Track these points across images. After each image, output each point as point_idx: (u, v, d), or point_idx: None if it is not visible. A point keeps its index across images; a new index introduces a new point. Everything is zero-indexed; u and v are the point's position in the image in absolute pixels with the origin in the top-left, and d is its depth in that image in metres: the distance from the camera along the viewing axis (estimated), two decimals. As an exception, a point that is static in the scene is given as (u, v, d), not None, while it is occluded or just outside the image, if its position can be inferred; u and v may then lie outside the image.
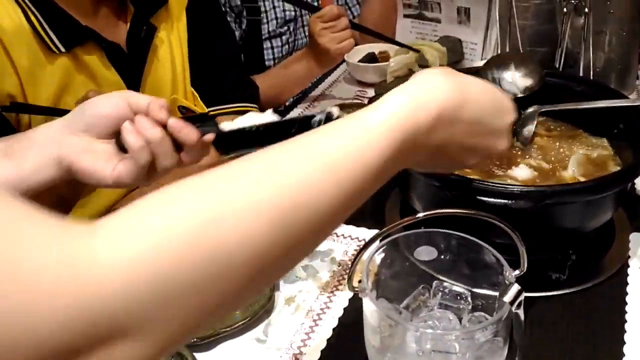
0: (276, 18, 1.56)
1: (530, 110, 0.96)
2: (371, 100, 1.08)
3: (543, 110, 0.96)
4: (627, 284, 0.78)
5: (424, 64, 1.32)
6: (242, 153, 0.67)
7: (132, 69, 0.94)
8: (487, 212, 0.63)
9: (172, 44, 1.00)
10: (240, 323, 0.72)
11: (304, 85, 1.44)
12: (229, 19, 1.51)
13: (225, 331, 0.71)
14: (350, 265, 0.63)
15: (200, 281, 0.35)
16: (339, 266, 0.84)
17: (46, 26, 0.84)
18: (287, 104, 1.50)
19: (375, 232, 0.66)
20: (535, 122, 0.95)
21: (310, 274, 0.82)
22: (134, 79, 0.94)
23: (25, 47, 0.82)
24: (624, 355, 0.68)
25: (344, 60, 1.43)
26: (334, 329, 0.74)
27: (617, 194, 0.76)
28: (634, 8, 1.15)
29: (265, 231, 0.38)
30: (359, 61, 1.44)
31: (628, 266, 0.81)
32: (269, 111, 0.65)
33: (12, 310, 0.29)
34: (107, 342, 0.31)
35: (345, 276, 0.81)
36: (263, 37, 1.57)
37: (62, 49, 0.85)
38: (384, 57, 1.44)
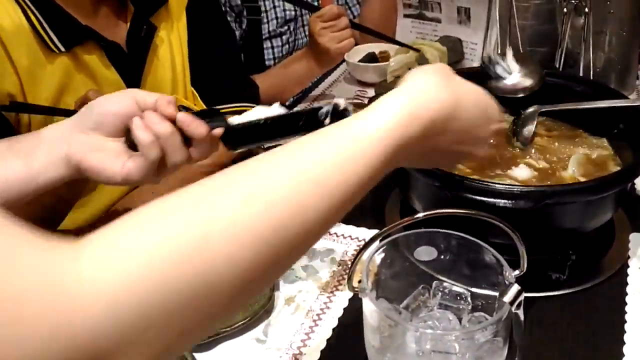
0: (276, 18, 1.56)
1: (530, 110, 0.96)
2: (371, 100, 1.08)
3: (543, 110, 0.96)
4: (626, 284, 0.78)
5: (424, 64, 1.32)
6: (250, 148, 0.67)
7: (132, 68, 0.94)
8: (487, 212, 0.63)
9: (172, 43, 1.00)
10: (240, 323, 0.72)
11: (304, 85, 1.44)
12: (229, 18, 1.51)
13: (225, 331, 0.71)
14: (350, 266, 0.63)
15: (185, 303, 0.34)
16: (339, 266, 0.84)
17: (46, 25, 0.83)
18: (287, 103, 1.50)
19: (375, 232, 0.66)
20: (535, 122, 0.95)
21: (310, 274, 0.82)
22: (134, 79, 0.94)
23: (25, 46, 0.82)
24: (623, 355, 0.68)
25: (344, 60, 1.43)
26: (333, 329, 0.74)
27: (617, 194, 0.76)
28: (634, 8, 1.15)
29: (251, 251, 0.37)
30: (359, 61, 1.44)
31: (628, 266, 0.81)
32: (276, 104, 0.65)
33: None
34: None
35: (345, 276, 0.81)
36: (263, 37, 1.57)
37: (62, 49, 0.85)
38: (384, 56, 1.44)
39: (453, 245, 0.67)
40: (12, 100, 0.82)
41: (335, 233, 0.90)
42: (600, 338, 0.71)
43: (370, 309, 0.60)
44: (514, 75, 0.98)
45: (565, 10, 1.13)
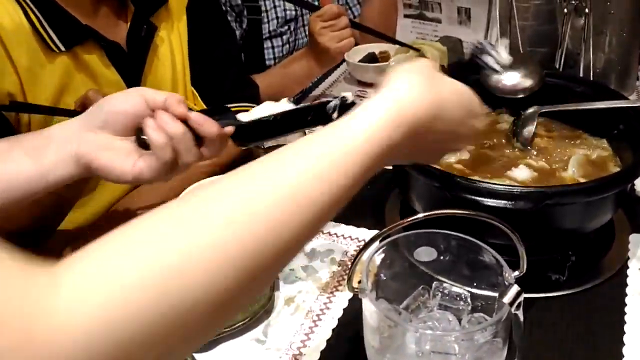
0: (277, 17, 1.56)
1: (530, 110, 0.96)
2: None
3: (543, 110, 0.96)
4: (626, 285, 0.78)
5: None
6: (259, 144, 0.67)
7: (132, 68, 0.94)
8: (486, 213, 0.63)
9: (172, 43, 1.00)
10: (240, 323, 0.72)
11: (304, 85, 1.44)
12: (229, 18, 1.51)
13: (225, 332, 0.71)
14: (350, 266, 0.64)
15: (162, 332, 0.34)
16: (338, 267, 0.84)
17: (46, 25, 0.83)
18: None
19: (375, 232, 0.66)
20: (535, 123, 0.95)
21: (310, 275, 0.82)
22: (134, 78, 0.94)
23: (25, 46, 0.82)
24: (623, 356, 0.68)
25: (344, 60, 1.43)
26: (333, 330, 0.74)
27: (617, 195, 0.76)
28: (634, 9, 1.15)
29: (230, 273, 0.37)
30: (360, 61, 1.43)
31: (627, 267, 0.81)
32: (285, 100, 0.65)
33: None
34: None
35: (345, 277, 0.81)
36: (263, 37, 1.57)
37: (62, 48, 0.85)
38: (384, 57, 1.44)
39: (453, 246, 0.67)
40: (12, 99, 0.82)
41: (335, 233, 0.90)
42: (600, 339, 0.71)
43: (370, 309, 0.60)
44: (513, 75, 0.98)
45: (565, 10, 1.13)
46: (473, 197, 0.72)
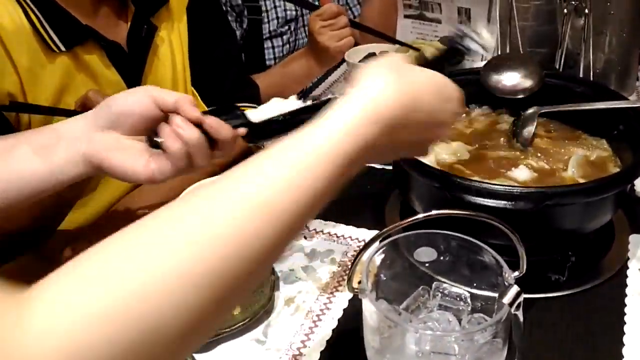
0: (277, 17, 1.56)
1: (530, 111, 0.96)
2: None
3: (543, 111, 0.96)
4: (626, 285, 0.78)
5: (423, 63, 1.32)
6: (268, 141, 0.67)
7: (132, 68, 0.94)
8: (486, 214, 0.63)
9: (172, 43, 1.00)
10: (240, 324, 0.72)
11: (304, 84, 1.44)
12: (229, 18, 1.51)
13: (225, 332, 0.71)
14: (350, 266, 0.64)
15: (133, 356, 0.33)
16: (338, 267, 0.84)
17: (46, 25, 0.83)
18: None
19: (375, 233, 0.66)
20: (535, 123, 0.95)
21: (310, 275, 0.82)
22: (134, 79, 0.94)
23: (25, 46, 0.82)
24: (622, 356, 0.69)
25: (344, 60, 1.43)
26: (333, 330, 0.74)
27: (617, 195, 0.76)
28: (634, 9, 1.15)
29: (197, 294, 0.36)
30: (360, 61, 1.43)
31: (627, 268, 0.81)
32: (293, 97, 0.65)
33: None
34: None
35: (345, 277, 0.81)
36: (264, 37, 1.57)
37: (63, 48, 0.85)
38: (384, 57, 1.44)
39: (453, 247, 0.67)
40: (13, 99, 0.82)
41: (336, 234, 0.90)
42: (600, 339, 0.71)
43: (370, 309, 0.60)
44: (513, 75, 0.98)
45: (565, 11, 1.13)
46: (473, 197, 0.72)
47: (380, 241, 0.65)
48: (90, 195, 0.91)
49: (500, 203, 0.71)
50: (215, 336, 0.71)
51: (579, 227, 0.79)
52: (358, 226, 0.91)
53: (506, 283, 0.60)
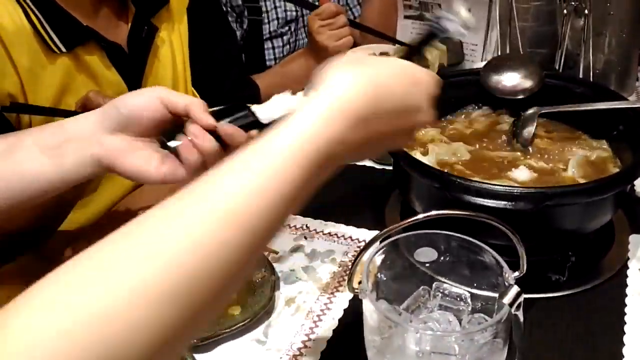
0: (277, 18, 1.56)
1: (530, 111, 0.97)
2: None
3: (543, 111, 0.96)
4: (626, 285, 0.79)
5: (423, 63, 1.32)
6: None
7: (133, 69, 0.94)
8: (487, 214, 0.63)
9: (173, 44, 1.00)
10: (240, 324, 0.72)
11: (304, 84, 1.43)
12: (230, 19, 1.51)
13: (225, 332, 0.71)
14: (350, 267, 0.64)
15: None
16: (339, 267, 0.84)
17: (47, 26, 0.84)
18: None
19: (375, 233, 0.66)
20: (535, 124, 0.95)
21: (310, 275, 0.82)
22: (134, 79, 0.94)
23: (25, 46, 0.82)
24: (623, 356, 0.69)
25: (344, 61, 1.43)
26: (334, 330, 0.74)
27: (617, 195, 0.76)
28: (634, 10, 1.15)
29: (166, 311, 0.35)
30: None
31: (627, 268, 0.81)
32: (300, 93, 0.65)
33: None
34: None
35: (346, 277, 0.81)
36: (264, 37, 1.57)
37: (63, 49, 0.85)
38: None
39: (453, 247, 0.67)
40: (13, 100, 0.82)
41: (336, 234, 0.90)
42: (600, 339, 0.71)
43: (370, 310, 0.60)
44: (513, 76, 0.98)
45: (565, 11, 1.14)
46: (473, 197, 0.72)
47: (381, 241, 0.65)
48: (91, 196, 0.91)
49: (501, 203, 0.71)
50: (215, 336, 0.71)
51: (579, 227, 0.79)
52: (358, 226, 0.91)
53: (506, 283, 0.60)
